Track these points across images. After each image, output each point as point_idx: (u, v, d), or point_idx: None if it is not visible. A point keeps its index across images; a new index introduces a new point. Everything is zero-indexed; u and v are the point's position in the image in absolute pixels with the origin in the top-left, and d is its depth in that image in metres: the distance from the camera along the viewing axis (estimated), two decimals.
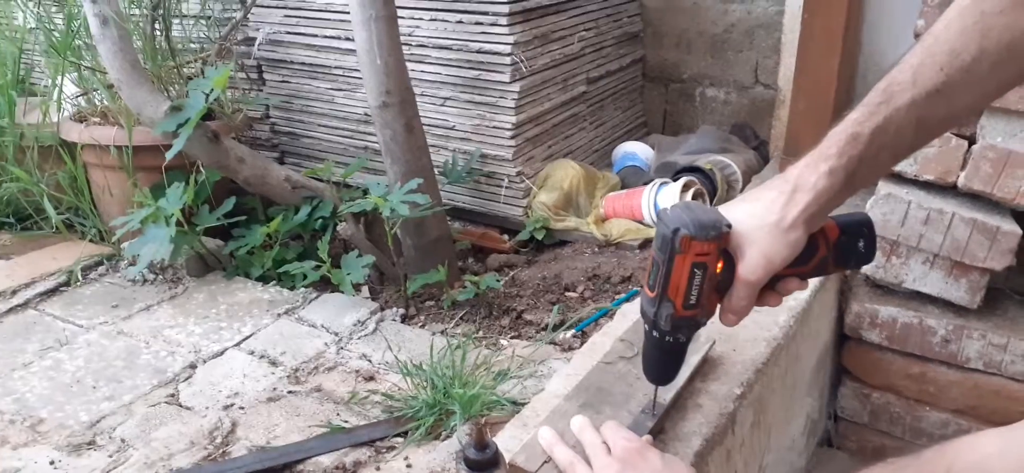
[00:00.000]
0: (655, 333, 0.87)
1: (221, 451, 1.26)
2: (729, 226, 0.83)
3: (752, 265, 0.83)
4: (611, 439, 0.90)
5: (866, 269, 1.56)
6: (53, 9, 2.35)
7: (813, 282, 1.41)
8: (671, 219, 0.82)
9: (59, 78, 2.07)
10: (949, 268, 1.49)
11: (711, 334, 1.18)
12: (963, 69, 0.77)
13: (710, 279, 0.83)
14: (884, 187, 1.52)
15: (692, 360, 1.11)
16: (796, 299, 1.35)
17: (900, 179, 1.51)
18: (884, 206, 1.50)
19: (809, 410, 1.59)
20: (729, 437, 1.09)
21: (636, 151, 2.30)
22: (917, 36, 1.45)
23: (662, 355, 0.90)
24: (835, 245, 0.88)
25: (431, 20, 1.98)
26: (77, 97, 2.15)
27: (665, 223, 0.82)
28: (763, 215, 0.83)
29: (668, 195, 1.91)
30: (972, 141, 1.44)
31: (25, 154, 2.07)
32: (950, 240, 1.45)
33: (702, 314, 0.86)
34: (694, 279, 0.82)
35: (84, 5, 1.78)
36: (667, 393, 1.03)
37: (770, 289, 0.88)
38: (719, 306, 0.88)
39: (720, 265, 0.84)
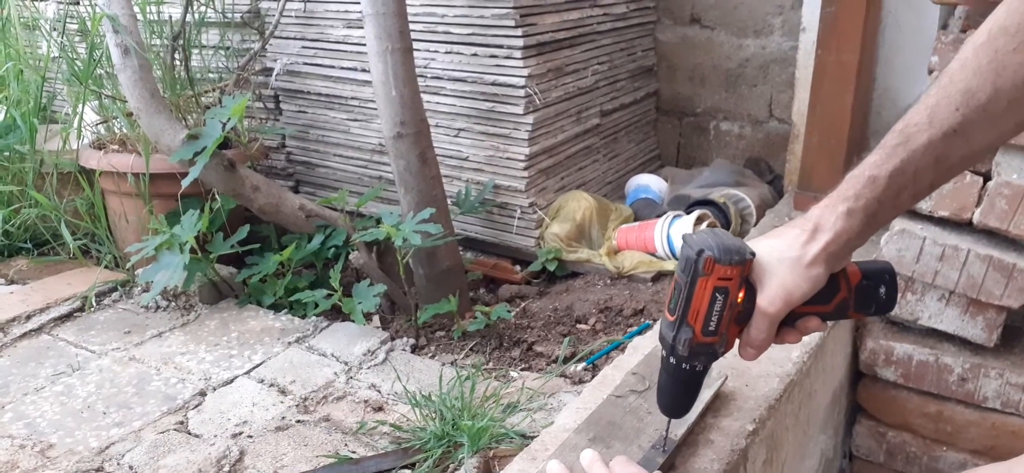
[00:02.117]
0: (672, 359, 0.87)
1: None
2: (753, 254, 0.83)
3: (772, 296, 0.83)
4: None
5: None
6: (76, 39, 2.40)
7: None
8: (696, 242, 0.83)
9: (80, 106, 2.10)
10: (965, 305, 1.47)
11: (723, 369, 1.17)
12: (979, 108, 0.76)
13: (731, 307, 0.83)
14: (899, 223, 1.50)
15: (704, 395, 1.10)
16: (810, 335, 1.34)
17: (915, 215, 1.50)
18: (899, 242, 1.49)
19: (824, 448, 1.56)
20: None
21: (649, 184, 2.30)
22: (931, 73, 1.45)
23: (677, 385, 0.89)
24: (856, 289, 0.89)
25: (446, 53, 2.00)
26: (97, 125, 2.18)
27: (690, 246, 0.83)
28: (784, 250, 0.84)
29: (681, 228, 1.91)
30: (987, 177, 1.42)
31: (44, 180, 2.10)
32: (966, 277, 1.43)
33: (720, 343, 0.85)
34: (715, 304, 0.82)
35: (106, 35, 1.82)
36: (678, 428, 1.02)
37: (790, 326, 0.88)
38: (738, 340, 0.88)
39: (742, 294, 0.84)
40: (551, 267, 1.99)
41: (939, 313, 1.49)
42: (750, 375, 1.20)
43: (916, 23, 1.77)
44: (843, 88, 1.72)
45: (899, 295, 1.51)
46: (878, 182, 0.81)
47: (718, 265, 0.81)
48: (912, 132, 0.79)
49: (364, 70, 2.07)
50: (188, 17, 2.09)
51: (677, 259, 0.85)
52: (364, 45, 1.77)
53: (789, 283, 0.83)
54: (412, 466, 1.24)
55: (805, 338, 1.33)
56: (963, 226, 1.46)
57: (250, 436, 1.36)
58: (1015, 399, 1.46)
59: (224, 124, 1.76)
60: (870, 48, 1.77)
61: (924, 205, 1.47)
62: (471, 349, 1.67)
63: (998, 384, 1.47)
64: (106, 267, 2.04)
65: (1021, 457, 0.65)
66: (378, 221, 1.79)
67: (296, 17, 2.21)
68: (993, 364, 1.48)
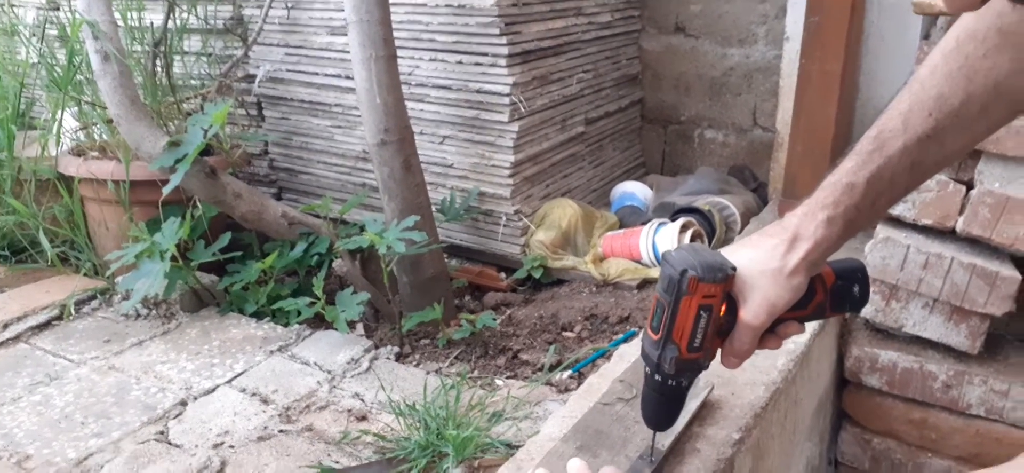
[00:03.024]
0: (657, 377, 0.86)
1: None
2: (734, 269, 0.83)
3: (756, 309, 0.84)
4: None
5: (866, 313, 1.55)
6: (56, 45, 2.37)
7: (812, 326, 1.40)
8: (677, 261, 0.82)
9: (59, 112, 2.08)
10: (949, 313, 1.47)
11: (710, 378, 1.16)
12: (952, 113, 0.77)
13: (714, 322, 0.83)
14: (883, 231, 1.51)
15: (691, 405, 1.09)
16: (795, 342, 1.34)
17: (899, 223, 1.51)
18: (883, 250, 1.50)
19: (809, 455, 1.56)
20: None
21: (634, 191, 2.30)
22: None
23: (663, 399, 0.89)
24: (831, 290, 0.90)
25: (431, 60, 1.99)
26: (76, 131, 2.16)
27: (672, 265, 0.82)
28: (765, 261, 0.84)
29: (666, 235, 1.91)
30: (970, 186, 1.43)
31: (23, 187, 2.07)
32: (949, 285, 1.44)
33: (705, 358, 0.86)
34: (700, 322, 0.82)
35: (86, 41, 1.79)
36: (665, 438, 1.01)
37: (771, 332, 0.88)
38: (720, 350, 0.88)
39: (723, 308, 0.84)
40: (536, 274, 1.98)
41: (923, 321, 1.50)
42: (736, 383, 1.20)
43: (899, 33, 1.78)
44: (827, 97, 1.73)
45: (884, 303, 1.52)
46: (856, 189, 0.81)
47: (702, 284, 0.80)
48: (887, 138, 0.80)
49: (348, 77, 2.05)
50: (170, 23, 2.08)
51: (660, 274, 0.84)
52: (348, 52, 1.76)
53: (772, 295, 0.83)
54: None
55: (790, 345, 1.33)
56: (946, 234, 1.47)
57: (232, 446, 1.34)
58: (999, 406, 1.47)
59: (206, 131, 1.74)
60: (853, 57, 1.78)
61: (908, 213, 1.48)
62: (456, 357, 1.66)
63: (982, 391, 1.48)
64: (85, 275, 2.01)
65: (1010, 463, 0.65)
66: (362, 228, 1.77)
67: (279, 24, 2.19)
68: (977, 371, 1.48)
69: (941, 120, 0.77)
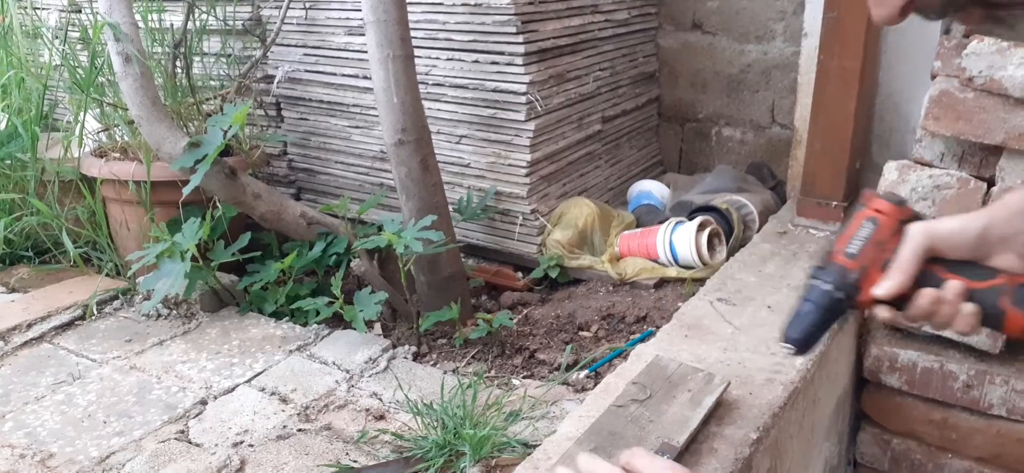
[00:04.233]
0: (839, 295, 0.86)
1: None
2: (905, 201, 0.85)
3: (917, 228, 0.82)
4: (648, 467, 0.84)
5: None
6: (78, 47, 2.40)
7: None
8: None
9: (82, 114, 2.10)
10: None
11: (726, 376, 1.16)
12: None
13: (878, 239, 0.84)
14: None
15: (706, 401, 1.09)
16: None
17: (918, 221, 1.49)
18: None
19: (828, 456, 1.55)
20: None
21: (652, 190, 2.29)
22: (934, 77, 1.45)
23: (826, 315, 0.88)
24: (1019, 288, 0.81)
25: (448, 59, 2.00)
26: (98, 133, 2.18)
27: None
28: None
29: (683, 234, 1.90)
30: (991, 183, 1.42)
31: (46, 188, 2.10)
32: None
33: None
34: (862, 231, 0.84)
35: (108, 43, 1.82)
36: (680, 436, 1.01)
37: (931, 285, 0.83)
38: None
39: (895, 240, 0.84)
40: (553, 274, 1.98)
41: None
42: (754, 382, 1.20)
43: (919, 28, 1.76)
44: (846, 93, 1.71)
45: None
46: None
47: (877, 198, 0.84)
48: None
49: (365, 77, 2.06)
50: (189, 25, 2.10)
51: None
52: (365, 52, 1.77)
53: (937, 219, 0.82)
54: None
55: None
56: None
57: (251, 445, 1.36)
58: (1021, 406, 1.45)
59: (225, 132, 1.75)
60: (873, 53, 1.76)
61: (928, 211, 1.46)
62: (473, 357, 1.67)
63: (1003, 391, 1.46)
64: (107, 275, 2.04)
65: None
66: (379, 228, 1.78)
67: (297, 24, 2.21)
68: (998, 371, 1.47)
69: None
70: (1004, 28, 0.71)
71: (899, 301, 0.84)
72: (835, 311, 0.88)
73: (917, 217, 0.83)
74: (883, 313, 0.86)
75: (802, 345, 0.91)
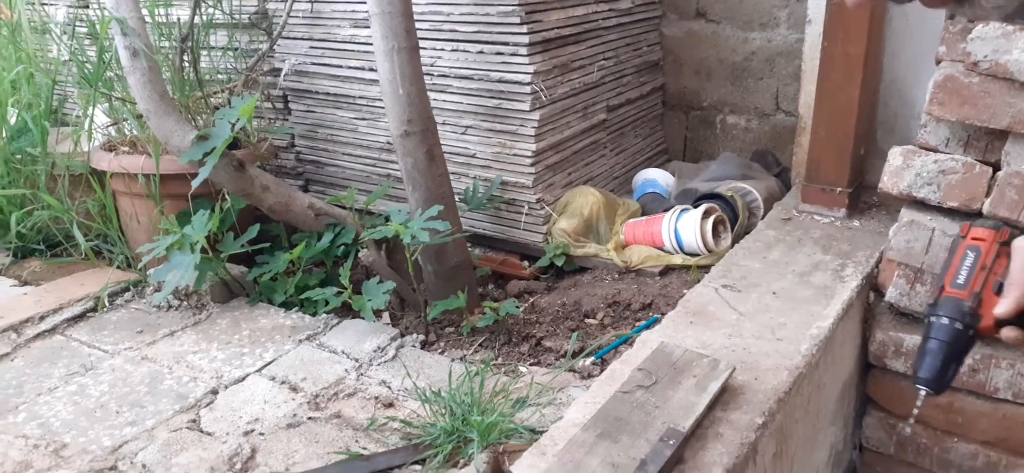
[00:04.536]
0: (958, 326, 0.87)
1: None
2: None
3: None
4: None
5: (890, 297, 1.54)
6: (86, 42, 2.41)
7: (836, 308, 1.40)
8: None
9: (90, 108, 2.12)
10: None
11: (731, 362, 1.17)
12: None
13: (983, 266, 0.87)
14: (907, 214, 1.50)
15: (711, 387, 1.10)
16: (818, 326, 1.34)
17: (924, 206, 1.50)
18: (908, 233, 1.49)
19: (833, 440, 1.56)
20: (750, 468, 1.07)
21: (656, 178, 2.30)
22: (938, 63, 1.45)
23: (952, 349, 0.89)
24: None
25: (453, 51, 2.00)
26: (107, 127, 2.20)
27: None
28: None
29: (688, 222, 1.91)
30: (997, 167, 1.42)
31: (56, 182, 2.12)
32: None
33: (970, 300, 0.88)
34: (966, 260, 0.87)
35: (115, 38, 1.83)
36: (685, 421, 1.02)
37: None
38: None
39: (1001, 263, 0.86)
40: (559, 262, 1.99)
41: None
42: (759, 368, 1.21)
43: (923, 13, 1.76)
44: (850, 80, 1.71)
45: (908, 287, 1.51)
46: None
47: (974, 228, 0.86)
48: None
49: (371, 69, 2.07)
50: (196, 19, 2.11)
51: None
52: (371, 44, 1.78)
53: None
54: (422, 462, 1.25)
55: (813, 330, 1.33)
56: (973, 216, 1.46)
57: (262, 434, 1.37)
58: None
59: (233, 124, 1.77)
60: (877, 39, 1.76)
61: (933, 196, 1.46)
62: (480, 345, 1.68)
63: (1009, 374, 1.46)
64: (118, 267, 2.06)
65: None
66: (387, 219, 1.80)
67: (303, 17, 2.22)
68: (1004, 355, 1.47)
69: None
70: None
71: (1022, 318, 0.86)
72: (960, 343, 0.89)
73: (1015, 234, 0.85)
74: (1010, 334, 0.87)
75: (936, 383, 0.92)
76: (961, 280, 0.85)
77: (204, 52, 2.22)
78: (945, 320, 0.87)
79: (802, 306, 1.42)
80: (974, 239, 0.85)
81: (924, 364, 0.91)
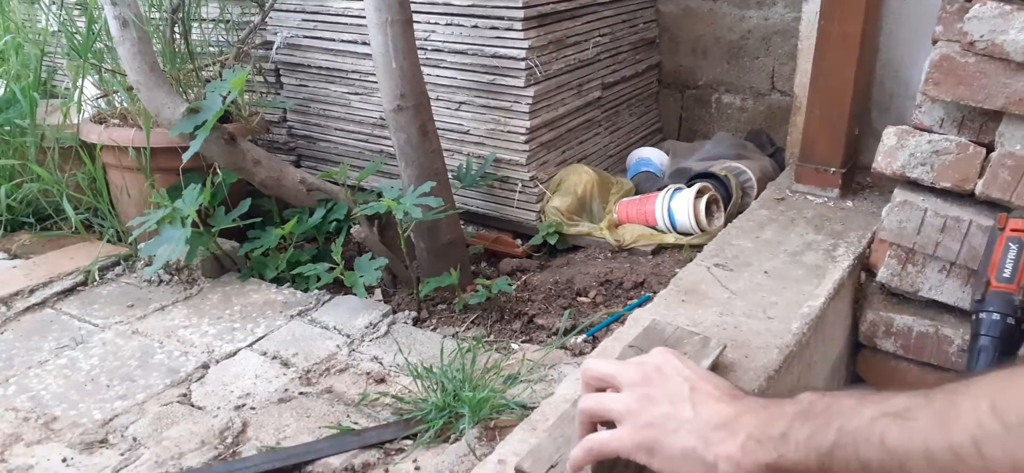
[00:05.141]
0: (1010, 320, 0.88)
1: (231, 451, 1.26)
2: None
3: None
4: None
5: (882, 277, 1.55)
6: (75, 12, 2.39)
7: (827, 288, 1.40)
8: None
9: (80, 80, 2.10)
10: (966, 277, 1.47)
11: (722, 340, 1.17)
12: None
13: None
14: (900, 194, 1.50)
15: (702, 364, 1.10)
16: (809, 305, 1.34)
17: (916, 186, 1.49)
18: (900, 213, 1.49)
19: None
20: None
21: (651, 157, 2.29)
22: (935, 42, 1.44)
23: (1005, 344, 0.89)
24: None
25: (447, 24, 1.99)
26: (97, 99, 2.18)
27: None
28: None
29: (682, 201, 1.91)
30: (990, 148, 1.42)
31: (46, 155, 2.10)
32: (967, 248, 1.43)
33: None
34: (1009, 253, 0.89)
35: (104, 8, 1.81)
36: None
37: None
38: None
39: None
40: (552, 241, 1.99)
41: (940, 285, 1.49)
42: (750, 346, 1.21)
43: None
44: (846, 59, 1.71)
45: (900, 267, 1.51)
46: None
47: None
48: None
49: (364, 43, 2.05)
50: None
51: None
52: (364, 17, 1.76)
53: None
54: (414, 436, 1.25)
55: (804, 309, 1.34)
56: (965, 197, 1.46)
57: (253, 408, 1.37)
58: None
59: (224, 98, 1.75)
60: (874, 18, 1.75)
61: (926, 176, 1.46)
62: (472, 322, 1.68)
63: None
64: (108, 241, 2.05)
65: (939, 388, 0.58)
66: (379, 195, 1.79)
67: None
68: None
69: None
70: None
71: None
72: (1012, 337, 0.88)
73: None
74: None
75: None
76: (1007, 274, 0.84)
77: (195, 24, 2.19)
78: (996, 316, 0.86)
79: (794, 285, 1.42)
80: (1014, 231, 0.84)
81: (979, 362, 0.90)
